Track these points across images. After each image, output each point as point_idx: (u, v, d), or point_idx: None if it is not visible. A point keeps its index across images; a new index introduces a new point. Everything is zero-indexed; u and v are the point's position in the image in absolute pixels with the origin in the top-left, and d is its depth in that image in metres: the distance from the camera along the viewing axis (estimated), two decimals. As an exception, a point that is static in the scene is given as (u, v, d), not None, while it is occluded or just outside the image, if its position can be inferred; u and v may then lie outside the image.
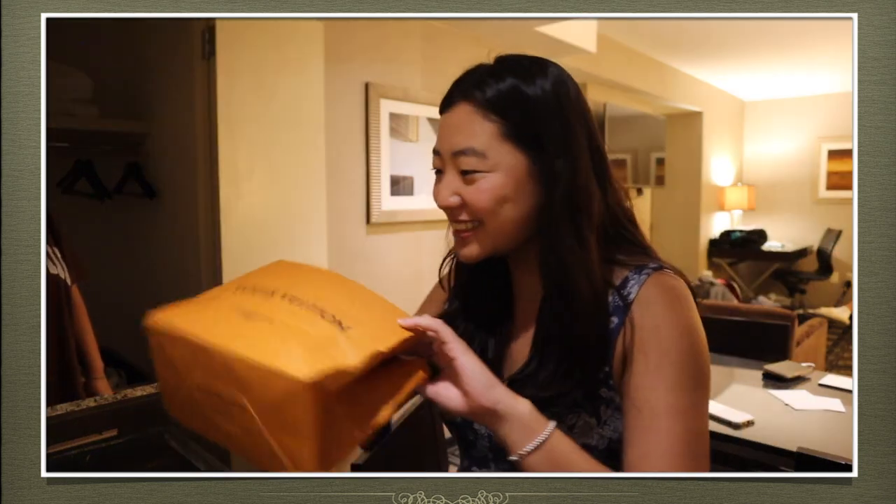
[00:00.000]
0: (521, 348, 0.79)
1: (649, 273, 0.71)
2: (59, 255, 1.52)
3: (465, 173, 0.70)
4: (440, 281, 0.88)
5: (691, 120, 5.37)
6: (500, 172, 0.69)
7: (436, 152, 0.73)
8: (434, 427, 1.40)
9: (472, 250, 0.73)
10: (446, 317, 0.82)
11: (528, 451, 0.66)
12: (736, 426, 1.60)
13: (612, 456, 0.72)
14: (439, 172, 0.74)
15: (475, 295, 0.82)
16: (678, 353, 0.68)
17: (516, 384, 0.73)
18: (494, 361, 0.79)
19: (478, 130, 0.69)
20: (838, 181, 5.52)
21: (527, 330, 0.78)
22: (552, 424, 0.67)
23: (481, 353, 0.78)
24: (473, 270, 0.80)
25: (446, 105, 0.73)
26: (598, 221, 0.72)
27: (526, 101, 0.69)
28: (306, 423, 0.57)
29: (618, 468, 0.71)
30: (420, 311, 0.92)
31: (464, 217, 0.71)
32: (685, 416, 0.67)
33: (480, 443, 0.81)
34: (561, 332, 0.71)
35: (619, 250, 0.75)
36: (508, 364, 0.79)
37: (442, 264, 0.87)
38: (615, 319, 0.71)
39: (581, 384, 0.72)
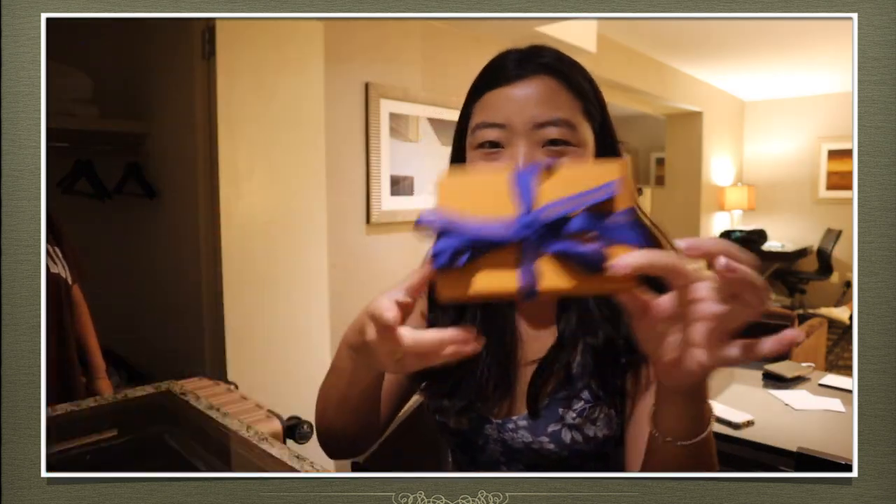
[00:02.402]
0: (540, 332, 0.79)
1: None
2: (59, 255, 1.52)
3: (552, 144, 0.67)
4: None
5: (691, 120, 5.36)
6: (585, 148, 0.69)
7: (498, 125, 0.68)
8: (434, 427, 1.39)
9: None
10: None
11: (703, 437, 0.55)
12: (736, 426, 1.60)
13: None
14: (494, 147, 0.69)
15: None
16: None
17: (543, 370, 0.75)
18: (512, 340, 0.79)
19: (566, 104, 0.68)
20: (838, 181, 5.52)
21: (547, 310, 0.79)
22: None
23: (503, 328, 0.79)
24: None
25: (514, 77, 0.69)
26: None
27: (592, 85, 0.72)
28: None
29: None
30: None
31: None
32: None
33: (491, 447, 0.79)
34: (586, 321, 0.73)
35: None
36: (527, 344, 0.79)
37: None
38: None
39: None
